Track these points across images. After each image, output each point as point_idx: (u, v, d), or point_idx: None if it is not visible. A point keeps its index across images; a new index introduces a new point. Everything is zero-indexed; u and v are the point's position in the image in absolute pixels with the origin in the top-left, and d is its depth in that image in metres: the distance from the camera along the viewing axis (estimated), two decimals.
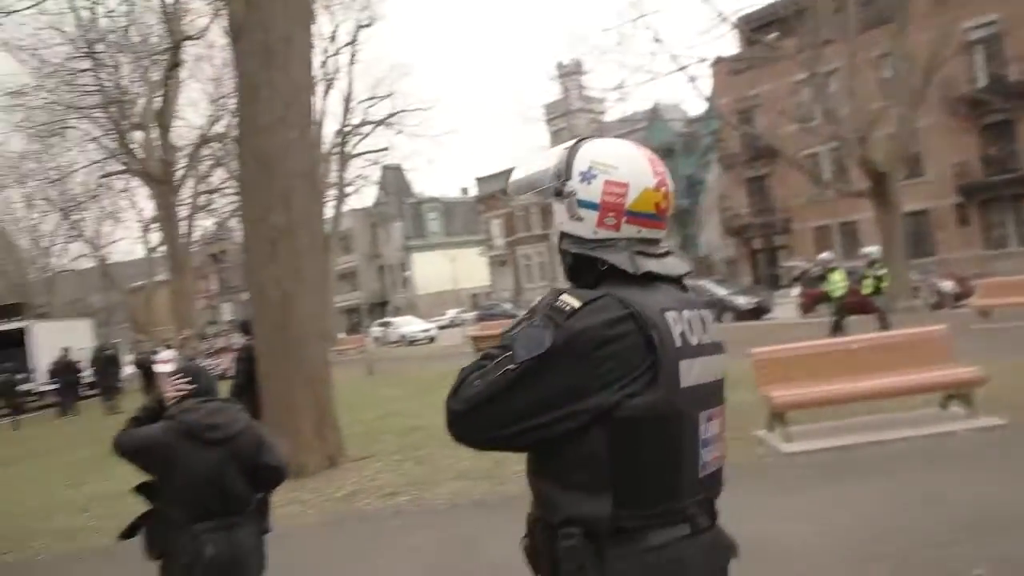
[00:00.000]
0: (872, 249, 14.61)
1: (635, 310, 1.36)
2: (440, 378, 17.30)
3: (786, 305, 23.81)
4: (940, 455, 6.04)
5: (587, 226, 1.49)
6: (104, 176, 29.60)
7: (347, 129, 34.62)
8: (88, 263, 43.35)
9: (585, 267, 1.51)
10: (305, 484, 7.59)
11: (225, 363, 21.33)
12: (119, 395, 19.05)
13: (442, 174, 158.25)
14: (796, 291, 23.19)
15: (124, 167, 27.44)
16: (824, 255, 15.52)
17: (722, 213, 39.97)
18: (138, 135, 25.61)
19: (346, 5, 32.88)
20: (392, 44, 78.77)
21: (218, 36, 28.68)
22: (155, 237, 34.95)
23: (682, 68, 20.33)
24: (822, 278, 14.59)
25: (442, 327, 43.03)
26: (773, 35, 26.09)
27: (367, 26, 33.18)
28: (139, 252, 41.17)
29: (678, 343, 1.39)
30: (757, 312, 23.29)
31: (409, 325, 40.15)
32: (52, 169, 32.29)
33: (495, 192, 53.25)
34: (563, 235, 1.55)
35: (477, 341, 19.22)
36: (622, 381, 1.34)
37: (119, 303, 45.42)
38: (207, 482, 2.94)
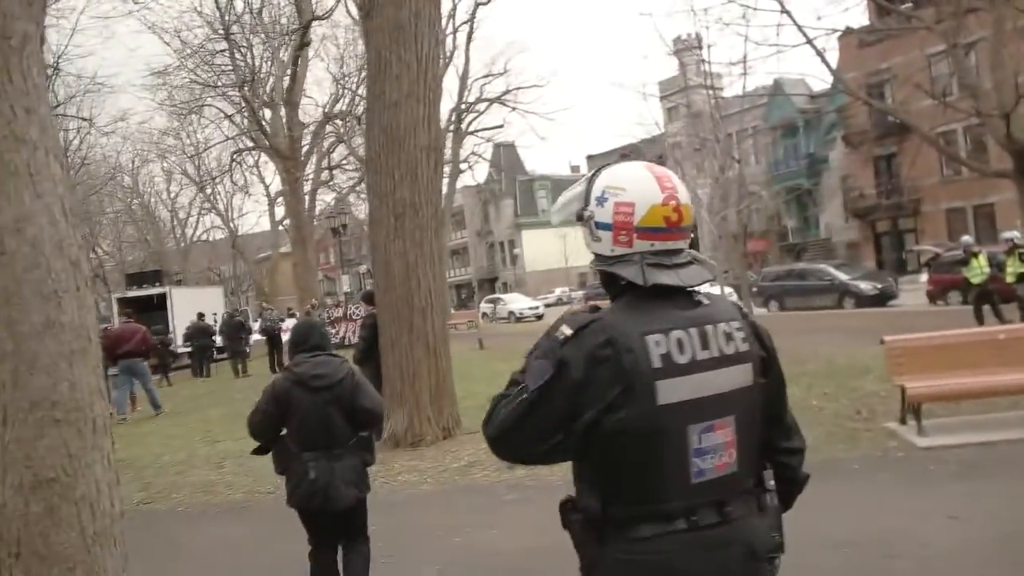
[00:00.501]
0: (1014, 233, 13.60)
1: (613, 336, 1.55)
2: None
3: (913, 292, 22.55)
4: None
5: (605, 245, 1.67)
6: (237, 152, 31.26)
7: (463, 107, 35.03)
8: (219, 234, 46.05)
9: (610, 281, 1.71)
10: (423, 453, 7.82)
11: (343, 331, 22.23)
12: (247, 359, 20.19)
13: (554, 152, 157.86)
14: (924, 277, 21.91)
15: (254, 143, 28.86)
16: (966, 238, 14.53)
17: (845, 194, 38.14)
18: (268, 113, 26.82)
19: None
20: (508, 21, 79.03)
21: (343, 16, 29.62)
22: (280, 211, 36.69)
23: (809, 41, 19.40)
24: (964, 262, 13.69)
25: (549, 305, 43.22)
26: (908, 4, 24.47)
27: (485, 3, 33.34)
28: (265, 224, 43.35)
29: (657, 364, 1.54)
30: (881, 298, 22.17)
31: (517, 302, 40.54)
32: (190, 145, 34.45)
33: None
34: (595, 256, 1.73)
35: None
36: (605, 400, 1.54)
37: (246, 272, 48.00)
38: (313, 420, 3.72)
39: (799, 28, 13.69)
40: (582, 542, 1.66)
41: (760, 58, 31.48)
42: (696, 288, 1.68)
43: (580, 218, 1.73)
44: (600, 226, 1.67)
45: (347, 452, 3.77)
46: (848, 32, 27.07)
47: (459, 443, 8.20)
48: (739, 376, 1.62)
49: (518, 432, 1.61)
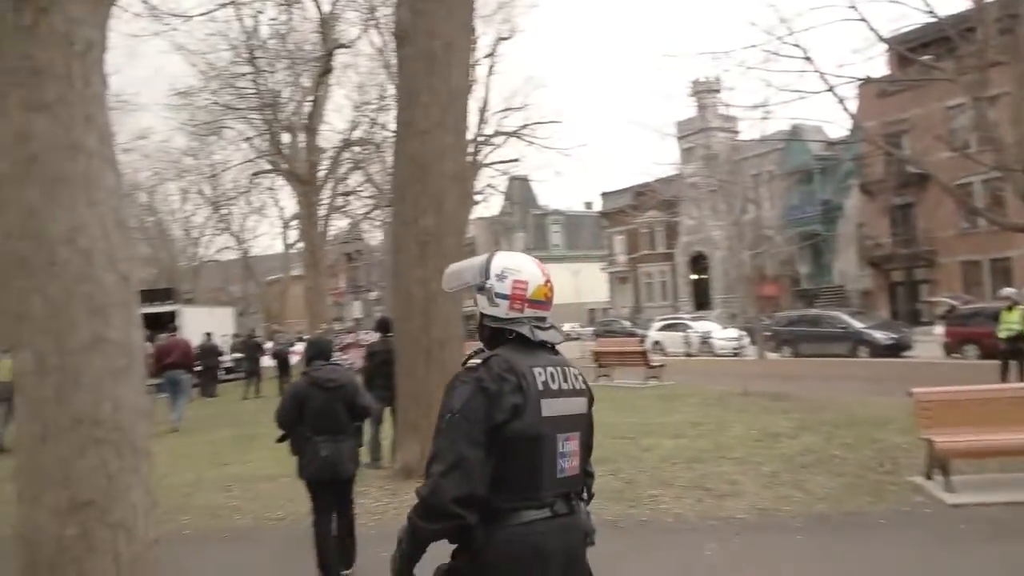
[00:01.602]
0: (1012, 290, 13.51)
1: (512, 364, 2.09)
2: None
3: (927, 343, 22.30)
4: None
5: (502, 310, 2.21)
6: (254, 174, 31.38)
7: (480, 139, 35.22)
8: (231, 255, 46.10)
9: (498, 336, 2.22)
10: None
11: (353, 358, 22.08)
12: (260, 381, 20.11)
13: (567, 187, 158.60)
14: (940, 329, 21.66)
15: (272, 167, 28.99)
16: (1009, 290, 14.25)
17: (860, 242, 37.99)
18: (287, 137, 26.98)
19: (488, 19, 33.29)
20: (528, 56, 79.75)
21: (366, 45, 29.93)
22: (293, 234, 36.74)
23: (831, 88, 19.47)
24: (995, 316, 13.44)
25: None
26: (929, 56, 24.55)
27: (507, 39, 33.68)
28: (278, 247, 43.37)
29: (540, 388, 2.11)
30: (896, 348, 21.90)
31: None
32: (208, 166, 34.58)
33: (620, 208, 52.81)
34: (483, 315, 2.24)
35: (599, 357, 19.01)
36: (508, 408, 2.04)
37: (256, 294, 48.03)
38: (324, 412, 5.08)
39: (821, 75, 13.69)
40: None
41: (780, 103, 31.37)
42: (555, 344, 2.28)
43: (480, 288, 2.22)
44: (499, 296, 2.20)
45: (348, 436, 5.17)
46: (869, 81, 27.19)
47: None
48: (581, 404, 2.24)
49: (456, 443, 2.01)
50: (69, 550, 2.10)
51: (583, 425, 2.24)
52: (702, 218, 37.34)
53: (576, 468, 2.18)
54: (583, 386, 2.26)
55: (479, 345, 2.20)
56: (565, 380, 2.20)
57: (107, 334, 2.18)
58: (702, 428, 10.33)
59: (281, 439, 5.30)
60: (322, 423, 5.04)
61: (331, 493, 5.10)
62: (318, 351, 5.43)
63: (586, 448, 2.28)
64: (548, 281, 2.27)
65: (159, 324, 22.41)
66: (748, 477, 7.30)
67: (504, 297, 2.20)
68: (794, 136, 32.76)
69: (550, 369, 2.17)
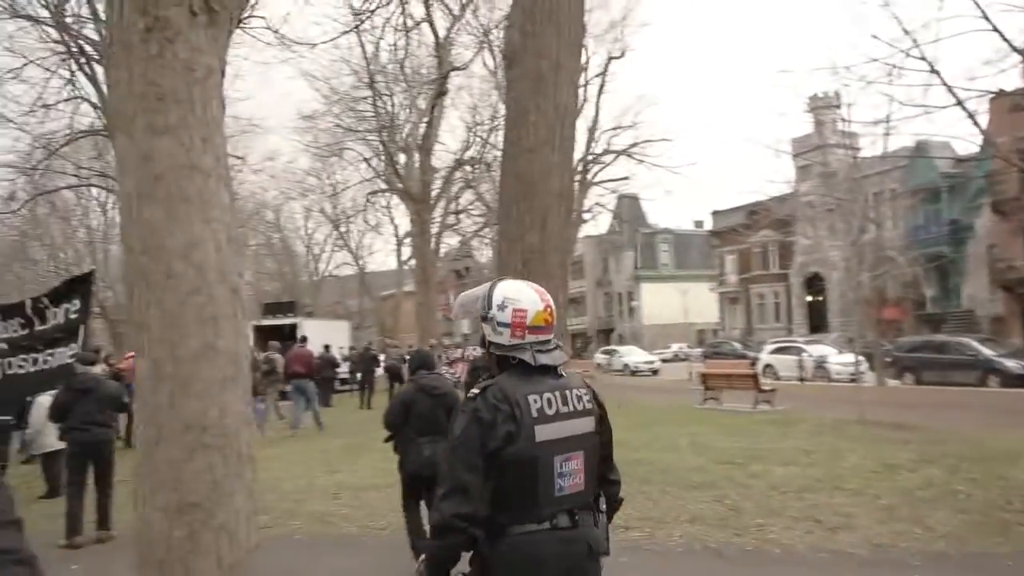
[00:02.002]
0: None
1: (507, 393, 2.24)
2: (665, 413, 16.72)
3: None
4: None
5: (505, 337, 2.34)
6: (371, 193, 32.63)
7: (589, 158, 35.23)
8: (349, 270, 47.98)
9: (501, 360, 2.37)
10: None
11: (460, 372, 22.44)
12: (372, 393, 20.77)
13: (677, 206, 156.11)
14: None
15: (388, 186, 30.04)
16: None
17: (992, 264, 35.47)
18: (402, 157, 27.89)
19: (599, 38, 33.37)
20: (639, 74, 79.34)
21: (479, 67, 30.61)
22: (407, 251, 37.79)
23: (960, 102, 18.32)
24: None
25: (665, 360, 42.15)
26: None
27: (618, 57, 33.63)
28: (392, 264, 44.74)
29: (534, 415, 2.24)
30: None
31: (632, 355, 39.79)
32: (329, 185, 36.29)
33: (732, 226, 51.44)
34: (490, 343, 2.39)
35: (707, 379, 18.51)
36: (501, 436, 2.20)
37: (371, 308, 49.65)
38: (428, 416, 5.64)
39: (948, 89, 12.88)
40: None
41: (904, 119, 29.72)
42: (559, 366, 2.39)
43: (484, 319, 2.37)
44: (501, 324, 2.33)
45: (443, 438, 5.50)
46: (1001, 94, 25.42)
47: None
48: (586, 424, 2.35)
49: (454, 468, 2.20)
50: (177, 550, 2.22)
51: (589, 443, 2.36)
52: (818, 238, 35.86)
53: (579, 485, 2.31)
54: (588, 405, 2.38)
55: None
56: (564, 403, 2.33)
57: (217, 344, 2.30)
58: (814, 456, 9.86)
59: (388, 439, 5.92)
60: (426, 426, 5.65)
61: (425, 487, 5.56)
62: (421, 362, 6.18)
63: (603, 459, 2.44)
64: (548, 307, 2.38)
65: (282, 336, 23.55)
66: (863, 510, 6.89)
67: (505, 326, 2.33)
68: (919, 153, 31.06)
69: (547, 395, 2.30)
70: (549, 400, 2.29)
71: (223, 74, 2.47)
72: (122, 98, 2.29)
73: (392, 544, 6.43)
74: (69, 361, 7.00)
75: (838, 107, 37.71)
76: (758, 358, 29.01)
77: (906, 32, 13.73)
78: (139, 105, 2.28)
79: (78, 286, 7.52)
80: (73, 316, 7.03)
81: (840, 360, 26.44)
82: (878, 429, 12.11)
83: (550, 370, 2.37)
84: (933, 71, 13.29)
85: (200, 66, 2.33)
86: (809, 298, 47.78)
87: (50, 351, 6.96)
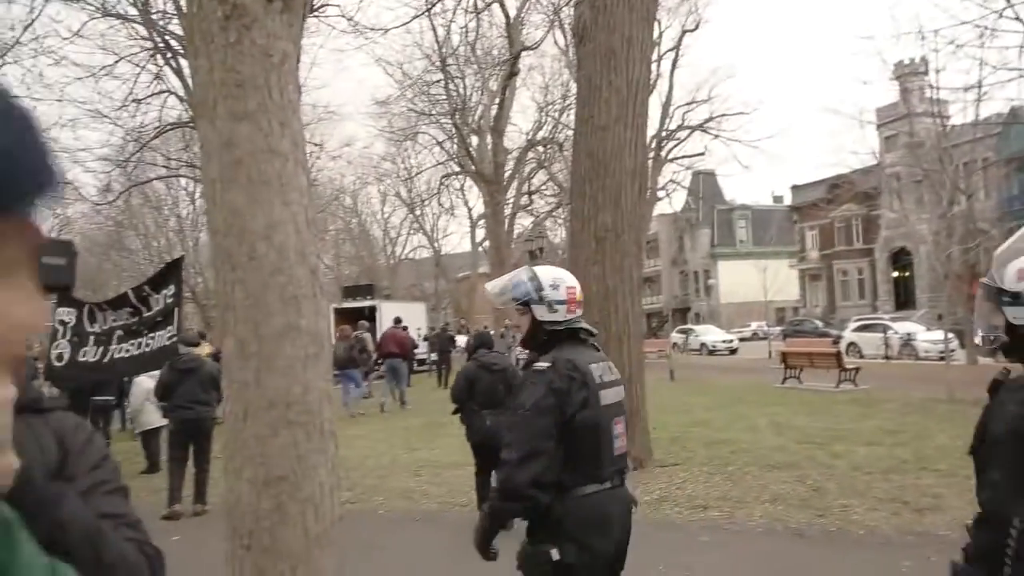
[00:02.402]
0: None
1: (575, 363, 2.45)
2: (745, 391, 16.44)
3: None
4: None
5: (562, 313, 2.58)
6: (445, 176, 32.94)
7: (664, 134, 34.65)
8: (424, 253, 48.66)
9: (553, 338, 2.57)
10: None
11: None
12: (449, 372, 21.19)
13: (755, 180, 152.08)
14: None
15: (461, 168, 30.25)
16: None
17: None
18: (475, 139, 28.02)
19: (672, 11, 32.67)
20: (714, 47, 77.36)
21: (550, 46, 30.40)
22: (481, 233, 38.08)
23: None
24: None
25: (743, 339, 41.33)
26: None
27: (692, 31, 32.88)
28: (466, 246, 45.20)
29: (598, 381, 2.49)
30: None
31: (709, 334, 39.14)
32: (404, 169, 36.81)
33: (812, 201, 49.79)
34: (541, 322, 2.58)
35: (788, 357, 18.06)
36: (577, 402, 2.41)
37: (447, 290, 50.28)
38: (489, 390, 6.44)
39: None
40: (548, 505, 2.42)
41: (997, 83, 28.09)
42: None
43: (537, 300, 2.57)
44: (558, 302, 2.57)
45: (504, 410, 5.92)
46: None
47: (651, 475, 7.96)
48: (621, 392, 2.64)
49: (532, 436, 2.36)
50: (265, 520, 2.32)
51: (624, 409, 2.65)
52: (905, 211, 34.37)
53: (624, 447, 2.58)
54: (618, 376, 2.67)
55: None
56: (610, 372, 2.60)
57: (298, 323, 2.38)
58: (901, 436, 9.54)
59: (455, 412, 6.75)
60: (487, 399, 6.40)
61: (493, 456, 6.05)
62: (481, 342, 7.05)
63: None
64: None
65: (360, 317, 24.11)
66: (952, 491, 6.63)
67: (562, 303, 2.58)
68: (1014, 119, 29.35)
69: (600, 365, 2.55)
70: (602, 369, 2.55)
71: (298, 59, 2.53)
72: (203, 86, 2.37)
73: (470, 521, 6.55)
74: (168, 343, 7.38)
75: (925, 73, 36.04)
76: (841, 336, 28.12)
77: None
78: (219, 92, 2.36)
79: (171, 271, 7.89)
80: (169, 300, 7.39)
81: (928, 338, 25.42)
82: (969, 409, 11.58)
83: (591, 344, 2.64)
84: None
85: (276, 51, 2.39)
86: (895, 274, 45.97)
87: (152, 334, 7.34)
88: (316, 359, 2.40)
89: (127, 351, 7.36)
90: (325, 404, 2.47)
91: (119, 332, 7.36)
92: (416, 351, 22.50)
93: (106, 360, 7.31)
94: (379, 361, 17.05)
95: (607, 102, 8.32)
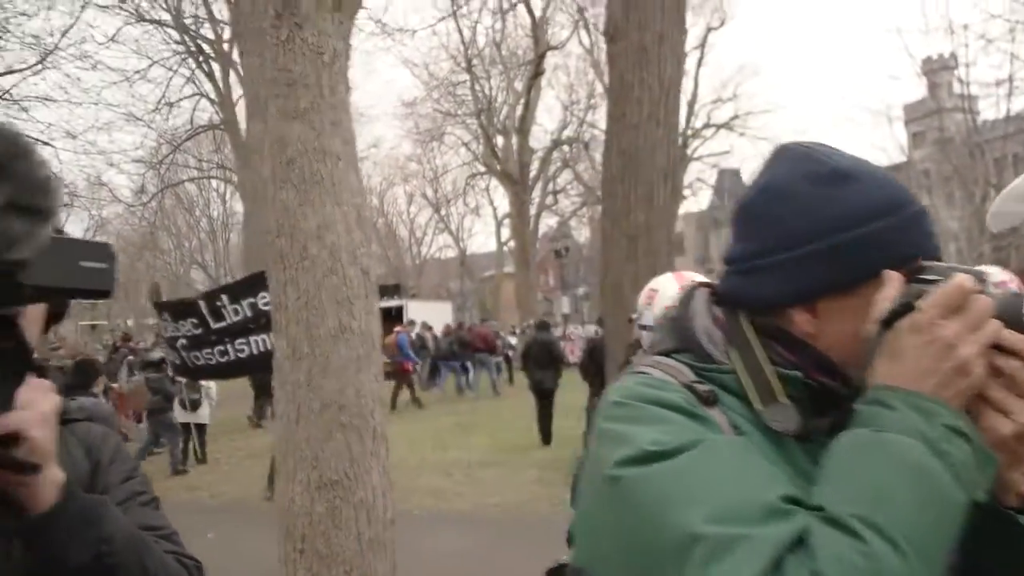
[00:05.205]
0: None
1: None
2: None
3: None
4: None
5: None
6: (471, 176, 33.00)
7: (689, 132, 34.36)
8: (450, 253, 48.76)
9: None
10: None
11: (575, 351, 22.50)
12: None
13: None
14: None
15: (487, 168, 30.25)
16: None
17: None
18: (500, 139, 28.00)
19: (697, 8, 32.37)
20: (740, 44, 76.63)
21: (575, 46, 30.34)
22: (506, 232, 38.07)
23: None
24: None
25: None
26: None
27: (716, 28, 32.54)
28: (492, 245, 45.17)
29: None
30: None
31: None
32: (429, 170, 36.92)
33: None
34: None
35: None
36: None
37: (472, 290, 50.32)
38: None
39: None
40: None
41: None
42: None
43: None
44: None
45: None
46: None
47: None
48: None
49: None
50: (319, 524, 2.29)
51: None
52: (935, 207, 33.86)
53: None
54: None
55: None
56: None
57: (351, 324, 2.35)
58: None
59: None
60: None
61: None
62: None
63: None
64: None
65: (387, 317, 24.20)
66: None
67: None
68: None
69: None
70: None
71: (348, 57, 2.50)
72: (255, 84, 2.37)
73: (505, 521, 6.52)
74: (269, 348, 7.56)
75: (955, 68, 35.44)
76: None
77: None
78: (271, 91, 2.34)
79: (259, 280, 7.93)
80: (264, 307, 7.40)
81: None
82: None
83: None
84: None
85: (328, 50, 2.37)
86: None
87: (243, 340, 7.39)
88: (368, 360, 2.37)
89: (208, 359, 7.46)
90: (377, 406, 2.43)
91: (182, 341, 7.45)
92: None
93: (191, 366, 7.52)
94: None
95: (639, 100, 8.23)
